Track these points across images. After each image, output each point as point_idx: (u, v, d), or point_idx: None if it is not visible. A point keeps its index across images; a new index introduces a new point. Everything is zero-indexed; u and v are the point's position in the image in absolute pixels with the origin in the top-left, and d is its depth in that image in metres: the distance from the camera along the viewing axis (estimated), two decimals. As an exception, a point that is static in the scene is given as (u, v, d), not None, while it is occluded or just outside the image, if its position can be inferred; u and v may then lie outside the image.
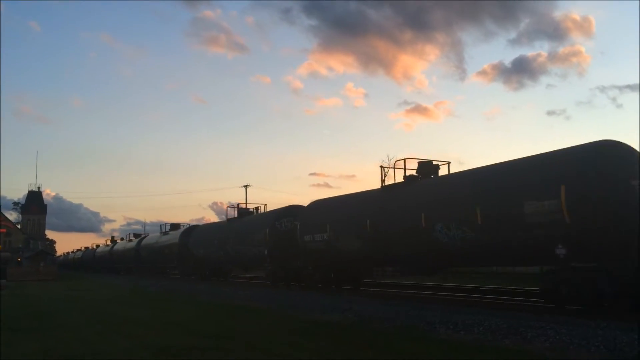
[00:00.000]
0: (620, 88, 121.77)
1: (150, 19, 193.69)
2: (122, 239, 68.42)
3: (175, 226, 46.13)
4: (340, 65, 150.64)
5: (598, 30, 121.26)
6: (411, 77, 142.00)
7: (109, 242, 72.70)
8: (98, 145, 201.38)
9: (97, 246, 70.40)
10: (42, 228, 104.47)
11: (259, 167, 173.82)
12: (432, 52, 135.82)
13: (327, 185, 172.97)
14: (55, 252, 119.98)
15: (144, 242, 51.77)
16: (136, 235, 59.25)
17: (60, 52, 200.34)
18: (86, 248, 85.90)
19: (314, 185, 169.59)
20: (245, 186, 65.30)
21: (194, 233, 39.06)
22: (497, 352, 8.08)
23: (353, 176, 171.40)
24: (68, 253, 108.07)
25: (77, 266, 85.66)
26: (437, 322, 11.17)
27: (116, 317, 14.22)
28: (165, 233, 45.81)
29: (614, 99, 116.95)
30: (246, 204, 35.70)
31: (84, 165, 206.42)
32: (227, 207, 35.41)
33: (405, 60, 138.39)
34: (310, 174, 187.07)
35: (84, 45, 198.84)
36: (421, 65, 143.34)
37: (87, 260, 76.42)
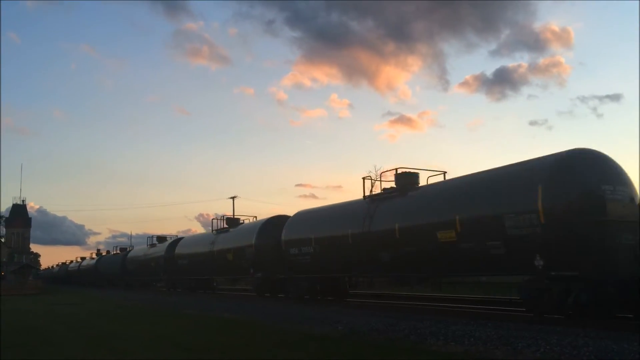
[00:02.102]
0: (600, 98, 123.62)
1: (131, 31, 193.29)
2: (107, 251, 68.00)
3: (162, 239, 46.29)
4: (324, 76, 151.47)
5: (577, 41, 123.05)
6: (395, 88, 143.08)
7: (94, 256, 72.24)
8: (81, 157, 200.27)
9: (83, 259, 70.01)
10: (26, 241, 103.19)
11: (245, 179, 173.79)
12: (415, 63, 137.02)
13: (313, 196, 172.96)
14: (40, 265, 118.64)
15: (130, 254, 51.98)
16: (122, 249, 59.37)
17: (40, 63, 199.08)
18: (70, 262, 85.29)
19: (300, 196, 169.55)
20: (233, 197, 65.10)
21: (179, 245, 38.73)
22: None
23: (339, 187, 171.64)
24: (53, 267, 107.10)
25: (63, 280, 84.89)
26: (428, 333, 11.12)
27: (102, 331, 14.01)
28: (152, 245, 45.64)
29: (594, 109, 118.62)
30: (233, 215, 35.58)
31: (67, 178, 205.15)
32: (212, 218, 35.32)
33: (389, 71, 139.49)
34: (297, 185, 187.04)
35: (64, 57, 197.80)
36: (404, 77, 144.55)
37: (72, 273, 76.07)
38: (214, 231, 33.36)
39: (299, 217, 24.60)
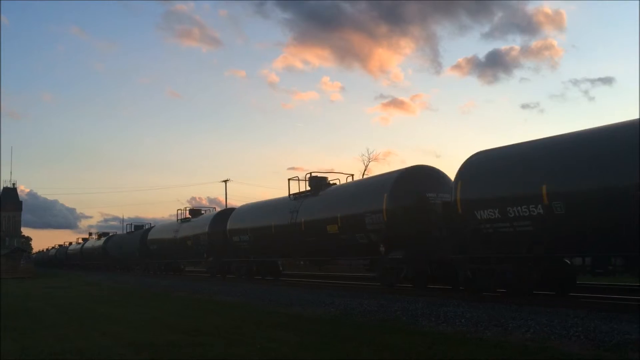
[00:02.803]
0: (592, 81, 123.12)
1: (121, 12, 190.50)
2: (99, 235, 67.79)
3: (138, 227, 49.62)
4: (315, 58, 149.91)
5: (569, 24, 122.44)
6: (387, 71, 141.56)
7: (80, 240, 72.56)
8: (72, 140, 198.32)
9: (85, 240, 69.50)
10: (17, 225, 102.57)
11: (237, 162, 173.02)
12: (408, 46, 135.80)
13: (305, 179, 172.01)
14: (32, 249, 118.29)
15: (111, 240, 54.82)
16: (104, 234, 61.29)
17: (29, 46, 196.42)
18: (60, 246, 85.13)
19: (292, 179, 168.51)
20: (225, 181, 65.27)
21: (151, 232, 42.91)
22: (479, 344, 8.11)
23: (331, 169, 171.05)
24: (48, 249, 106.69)
25: (52, 263, 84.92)
26: (419, 314, 11.22)
27: (94, 314, 14.03)
28: (130, 232, 49.48)
29: (586, 92, 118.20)
30: (226, 198, 39.81)
31: (58, 161, 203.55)
32: (178, 210, 39.57)
33: (381, 53, 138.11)
34: (289, 168, 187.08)
35: (53, 39, 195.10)
36: (397, 59, 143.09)
37: (60, 257, 76.15)
38: (178, 220, 37.39)
39: (240, 211, 29.47)
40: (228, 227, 28.75)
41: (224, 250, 29.64)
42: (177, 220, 37.67)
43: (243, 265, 27.92)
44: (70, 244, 77.25)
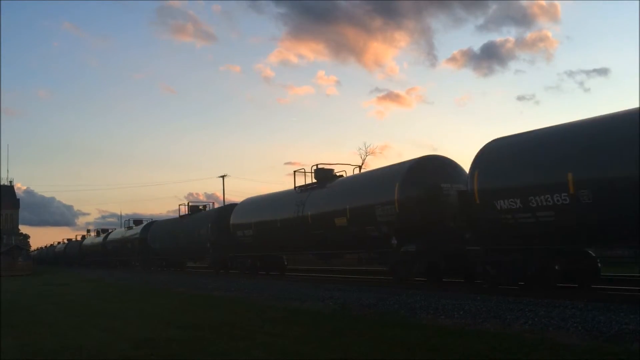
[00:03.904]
0: (588, 72, 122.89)
1: (114, 8, 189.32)
2: (98, 232, 67.49)
3: (138, 222, 48.94)
4: (310, 53, 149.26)
5: (564, 15, 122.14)
6: (382, 65, 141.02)
7: (79, 238, 71.99)
8: (68, 137, 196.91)
9: (105, 231, 67.52)
10: (15, 223, 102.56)
11: (234, 157, 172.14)
12: (402, 39, 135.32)
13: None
14: (30, 246, 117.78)
15: (110, 237, 54.17)
16: (103, 231, 60.69)
17: (21, 42, 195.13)
18: (69, 240, 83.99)
19: (289, 174, 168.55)
20: (223, 176, 65.15)
21: (152, 228, 42.18)
22: (478, 336, 8.14)
23: (328, 164, 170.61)
24: (46, 247, 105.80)
25: (50, 261, 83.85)
26: (418, 307, 11.24)
27: (93, 310, 14.05)
28: (129, 228, 48.60)
29: (581, 83, 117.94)
30: (224, 194, 39.03)
31: (54, 158, 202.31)
32: (179, 205, 39.71)
33: (376, 47, 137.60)
34: (286, 163, 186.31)
35: (46, 35, 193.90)
36: (392, 53, 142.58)
37: (73, 253, 72.03)
38: (180, 216, 37.31)
39: (244, 205, 28.78)
40: (231, 221, 28.15)
41: (227, 246, 29.18)
42: (179, 215, 37.57)
43: (247, 260, 27.53)
44: (84, 237, 69.62)
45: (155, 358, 7.54)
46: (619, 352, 6.70)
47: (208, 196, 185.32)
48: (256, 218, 25.94)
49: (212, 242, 30.56)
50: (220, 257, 30.65)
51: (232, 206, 31.10)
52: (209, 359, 7.31)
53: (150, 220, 46.90)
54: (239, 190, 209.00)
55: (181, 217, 36.87)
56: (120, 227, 60.49)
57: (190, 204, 37.08)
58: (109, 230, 59.00)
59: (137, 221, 49.07)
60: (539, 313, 9.47)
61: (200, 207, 36.77)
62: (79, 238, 72.37)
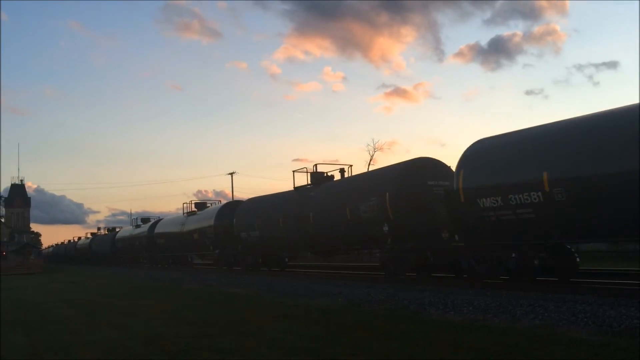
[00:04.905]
0: (597, 66, 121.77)
1: (119, 6, 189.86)
2: (107, 229, 67.75)
3: (145, 220, 49.47)
4: (317, 49, 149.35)
5: (572, 9, 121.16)
6: (389, 60, 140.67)
7: (89, 235, 72.15)
8: (77, 135, 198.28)
9: (79, 238, 68.21)
10: (26, 221, 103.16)
11: (242, 154, 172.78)
12: (409, 34, 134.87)
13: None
14: (41, 244, 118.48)
15: (119, 234, 54.76)
16: (111, 230, 61.57)
17: (29, 41, 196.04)
18: (69, 241, 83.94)
19: (298, 171, 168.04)
20: (231, 174, 65.31)
21: (157, 226, 42.90)
22: (487, 331, 8.11)
23: (336, 160, 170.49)
24: (60, 243, 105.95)
25: (62, 258, 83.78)
26: (427, 303, 11.22)
27: (103, 308, 14.12)
28: (137, 226, 49.23)
29: (590, 77, 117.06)
30: (232, 191, 39.24)
31: (64, 157, 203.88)
32: (184, 203, 40.56)
33: (382, 42, 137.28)
34: (294, 160, 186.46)
35: (53, 34, 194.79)
36: (398, 48, 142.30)
37: (101, 249, 68.66)
38: (185, 214, 37.63)
39: (246, 205, 29.65)
40: (235, 222, 28.93)
41: (231, 243, 29.59)
42: (183, 213, 37.96)
43: (249, 257, 28.32)
44: (114, 229, 62.26)
45: (164, 356, 7.56)
46: (630, 346, 6.65)
47: (217, 193, 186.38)
48: (259, 218, 26.81)
49: (215, 239, 31.23)
50: (223, 254, 30.98)
51: (234, 203, 31.71)
52: (218, 357, 7.32)
53: (158, 218, 47.60)
54: (248, 187, 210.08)
55: (187, 214, 37.34)
56: (130, 225, 60.73)
57: (192, 202, 37.91)
58: (117, 229, 59.62)
59: (145, 219, 49.79)
60: (548, 308, 9.43)
61: (208, 205, 37.10)
62: (89, 235, 72.30)
